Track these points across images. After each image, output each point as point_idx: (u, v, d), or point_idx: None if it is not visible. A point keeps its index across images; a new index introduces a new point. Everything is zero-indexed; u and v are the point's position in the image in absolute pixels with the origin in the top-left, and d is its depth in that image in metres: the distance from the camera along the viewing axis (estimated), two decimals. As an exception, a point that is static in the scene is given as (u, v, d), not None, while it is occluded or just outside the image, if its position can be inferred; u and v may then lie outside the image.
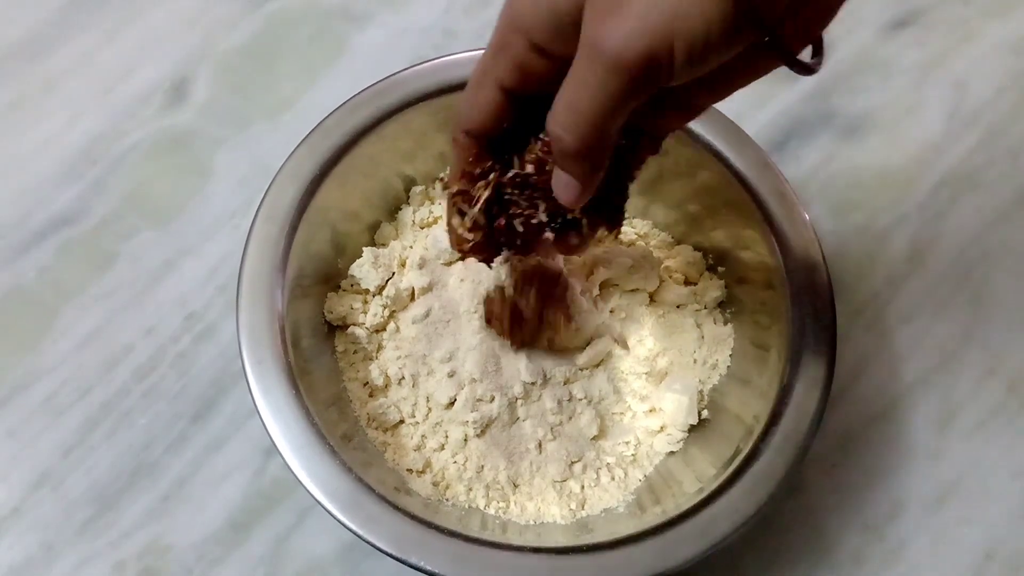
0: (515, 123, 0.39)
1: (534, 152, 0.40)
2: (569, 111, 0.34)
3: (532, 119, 0.39)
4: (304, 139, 0.54)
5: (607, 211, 0.43)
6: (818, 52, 0.35)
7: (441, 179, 0.61)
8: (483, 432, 0.53)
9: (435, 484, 0.53)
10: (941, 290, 0.63)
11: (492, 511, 0.52)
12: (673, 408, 0.55)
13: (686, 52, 0.31)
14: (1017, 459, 0.58)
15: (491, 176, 0.41)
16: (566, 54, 0.34)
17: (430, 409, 0.54)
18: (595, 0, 0.32)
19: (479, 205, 0.42)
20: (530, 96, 0.38)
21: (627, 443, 0.55)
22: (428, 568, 0.44)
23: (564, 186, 0.38)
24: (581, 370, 0.55)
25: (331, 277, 0.57)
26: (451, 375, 0.54)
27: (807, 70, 0.34)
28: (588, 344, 0.56)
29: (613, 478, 0.54)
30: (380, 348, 0.56)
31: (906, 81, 0.72)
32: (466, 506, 0.52)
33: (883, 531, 0.56)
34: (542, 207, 0.42)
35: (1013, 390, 0.60)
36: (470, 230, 0.43)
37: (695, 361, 0.57)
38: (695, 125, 0.55)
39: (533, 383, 0.54)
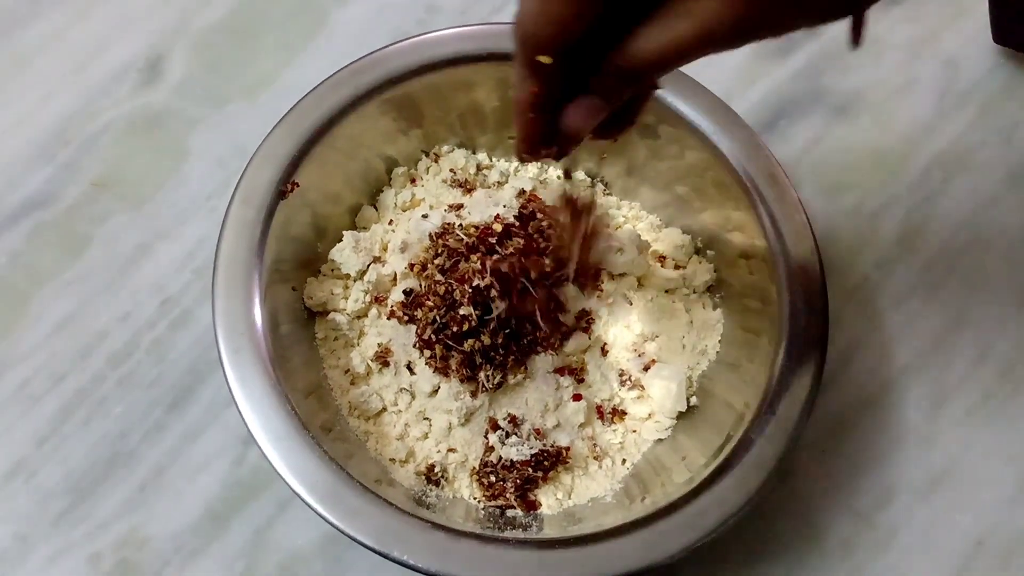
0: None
1: None
2: (664, 38, 0.33)
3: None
4: (282, 119, 0.53)
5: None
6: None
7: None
8: (467, 420, 0.52)
9: (418, 474, 0.52)
10: (933, 273, 0.63)
11: (476, 501, 0.52)
12: (661, 395, 0.54)
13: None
14: (1009, 445, 0.58)
15: None
16: None
17: (413, 397, 0.53)
18: None
19: None
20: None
21: (615, 431, 0.54)
22: (411, 563, 0.43)
23: (586, 110, 0.37)
24: (568, 357, 0.54)
25: (311, 262, 0.56)
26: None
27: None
28: (575, 326, 0.55)
29: (600, 466, 0.53)
30: (362, 335, 0.55)
31: (897, 59, 0.70)
32: (450, 496, 0.51)
33: (873, 518, 0.56)
34: None
35: (1005, 375, 0.60)
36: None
37: (684, 347, 0.56)
38: (682, 104, 0.54)
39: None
